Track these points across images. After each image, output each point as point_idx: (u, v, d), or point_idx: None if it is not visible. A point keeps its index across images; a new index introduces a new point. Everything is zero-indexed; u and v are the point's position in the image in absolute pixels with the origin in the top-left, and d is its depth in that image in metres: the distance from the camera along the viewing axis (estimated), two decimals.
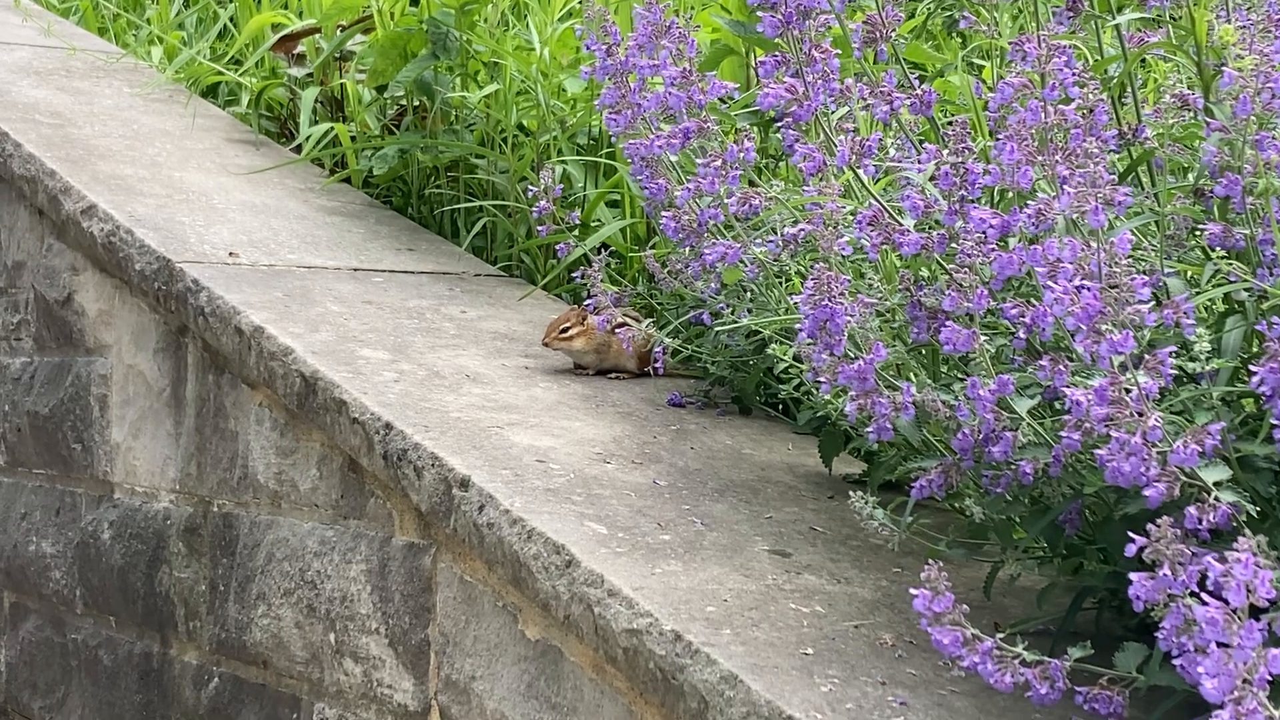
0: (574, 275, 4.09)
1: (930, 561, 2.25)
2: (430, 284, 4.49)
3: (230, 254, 4.41)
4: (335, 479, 3.65)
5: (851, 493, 2.67)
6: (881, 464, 3.17)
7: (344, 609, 3.57)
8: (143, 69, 6.27)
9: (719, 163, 2.88)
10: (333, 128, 5.29)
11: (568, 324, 3.82)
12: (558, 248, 4.10)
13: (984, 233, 2.43)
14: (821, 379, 2.45)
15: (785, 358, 2.94)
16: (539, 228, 3.98)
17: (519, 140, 4.74)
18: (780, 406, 3.77)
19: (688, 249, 3.32)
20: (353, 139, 5.30)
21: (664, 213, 3.24)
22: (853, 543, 3.05)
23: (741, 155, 2.85)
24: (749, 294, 3.35)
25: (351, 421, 3.46)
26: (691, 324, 3.74)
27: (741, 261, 3.02)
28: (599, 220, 4.44)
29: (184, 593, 4.20)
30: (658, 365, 3.63)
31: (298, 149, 5.50)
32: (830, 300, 2.45)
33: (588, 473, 3.22)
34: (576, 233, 4.21)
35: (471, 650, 3.20)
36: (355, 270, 4.49)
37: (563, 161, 4.53)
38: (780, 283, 3.26)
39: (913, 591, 2.30)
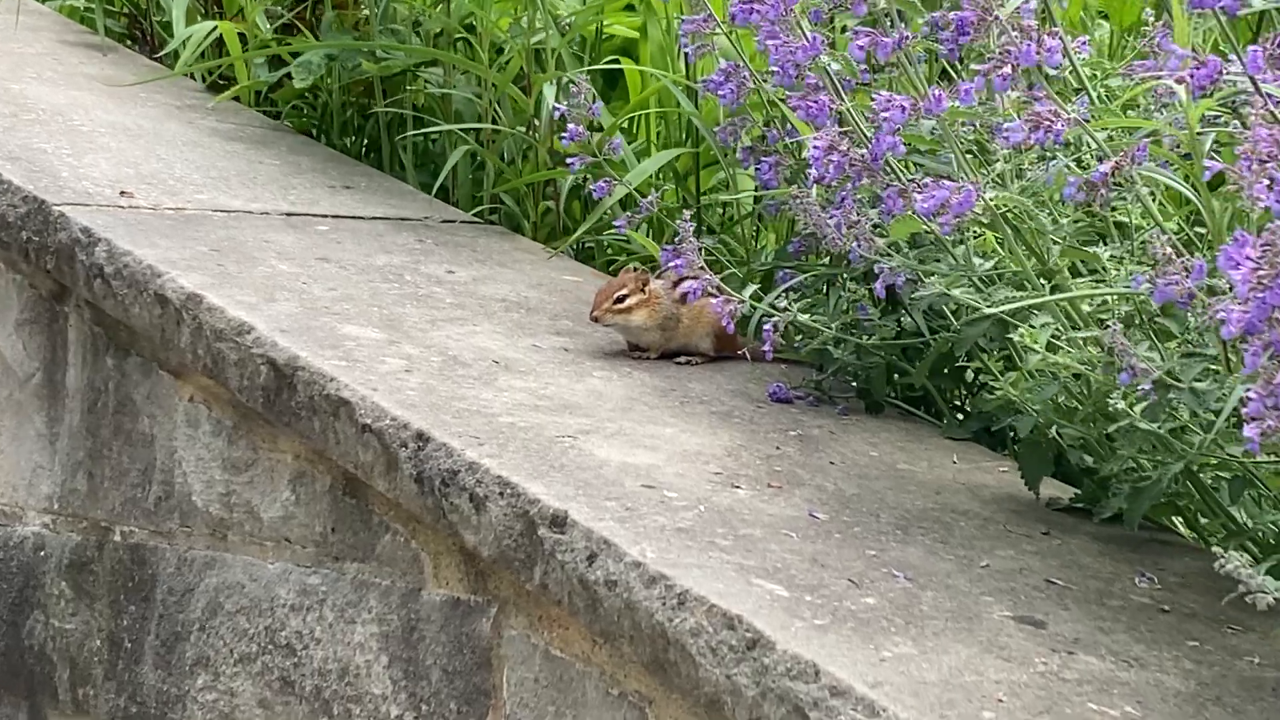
0: (609, 226, 3.43)
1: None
2: (391, 233, 3.80)
3: (122, 193, 3.68)
4: (321, 505, 2.97)
5: (1161, 542, 2.07)
6: (1111, 486, 2.59)
7: (344, 687, 2.89)
8: None
9: (1006, 69, 2.24)
10: (216, 28, 4.53)
11: (624, 291, 3.17)
12: (555, 184, 3.45)
13: None
14: (1254, 397, 1.82)
15: (1036, 345, 2.32)
16: (570, 160, 3.31)
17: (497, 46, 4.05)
18: (919, 403, 3.16)
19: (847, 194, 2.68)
20: (242, 42, 4.55)
21: (814, 143, 2.60)
22: (1111, 602, 2.46)
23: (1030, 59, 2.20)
24: (915, 253, 2.73)
25: (360, 429, 2.78)
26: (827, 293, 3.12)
27: (941, 211, 2.39)
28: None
29: (69, 649, 3.47)
30: (766, 349, 2.99)
31: (160, 55, 4.75)
32: None
33: (717, 502, 2.59)
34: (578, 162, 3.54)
35: None
36: (289, 215, 3.78)
37: (585, 72, 3.85)
38: (967, 238, 2.65)
39: None
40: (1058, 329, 2.47)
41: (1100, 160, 2.24)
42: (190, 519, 3.23)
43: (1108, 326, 2.39)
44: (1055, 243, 2.55)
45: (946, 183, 2.41)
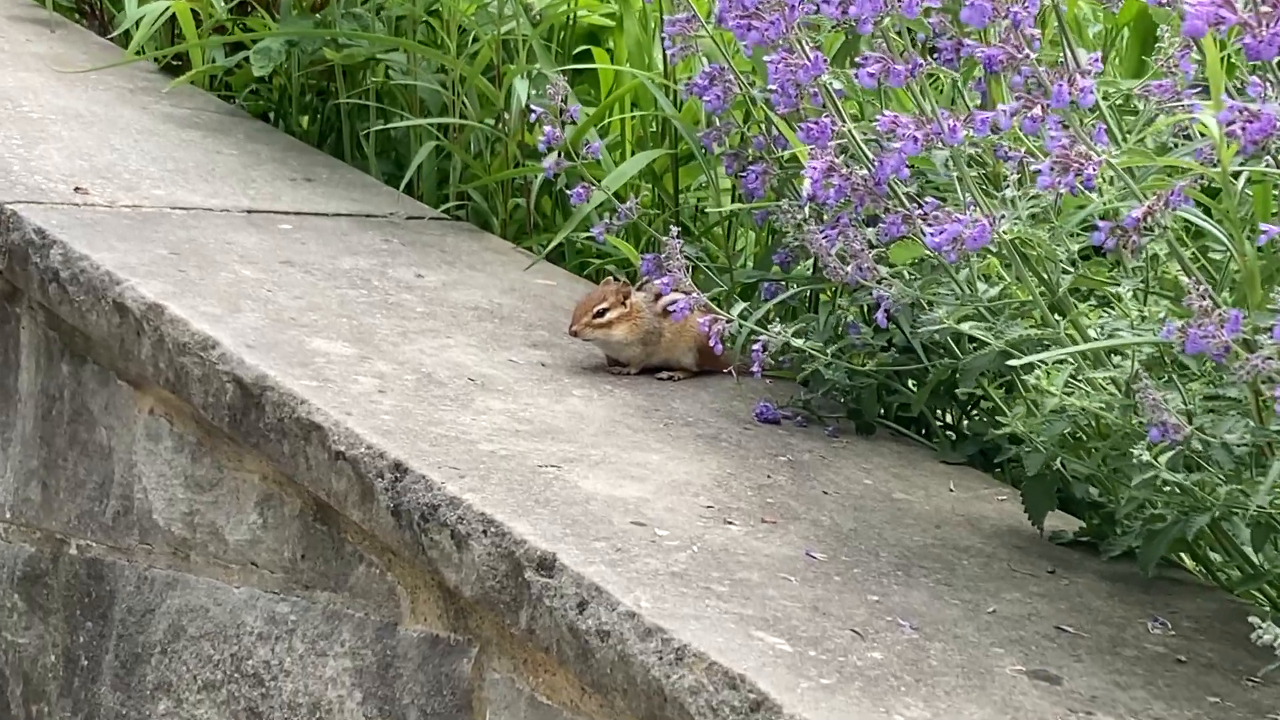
0: (583, 228, 3.29)
1: None
2: (357, 231, 3.65)
3: (76, 189, 3.52)
4: (291, 530, 2.83)
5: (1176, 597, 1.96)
6: (1118, 522, 2.48)
7: None
8: None
9: (1036, 110, 2.10)
10: (169, 7, 4.36)
11: (604, 305, 3.04)
12: (525, 179, 3.30)
13: None
14: None
15: (1052, 389, 2.19)
16: (546, 163, 3.16)
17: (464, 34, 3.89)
18: (910, 423, 3.04)
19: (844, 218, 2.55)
20: (196, 21, 4.38)
21: (812, 164, 2.46)
22: (1126, 651, 2.35)
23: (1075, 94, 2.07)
24: (917, 280, 2.60)
25: (333, 456, 2.64)
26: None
27: (956, 243, 2.26)
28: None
29: (21, 664, 3.32)
30: (755, 370, 2.86)
31: (112, 34, 4.57)
32: None
33: (711, 541, 2.47)
34: (554, 158, 3.38)
35: None
36: (250, 212, 3.63)
37: (564, 70, 3.69)
38: (971, 263, 2.52)
39: None
40: (1074, 368, 2.35)
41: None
42: (151, 536, 3.08)
43: (1125, 362, 2.27)
44: (1066, 272, 2.43)
45: (959, 216, 2.28)
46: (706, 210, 3.67)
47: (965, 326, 2.41)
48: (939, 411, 3.03)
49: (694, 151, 3.42)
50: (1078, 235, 2.40)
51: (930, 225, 2.30)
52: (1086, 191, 2.14)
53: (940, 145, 2.32)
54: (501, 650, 2.53)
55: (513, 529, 2.44)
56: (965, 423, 3.05)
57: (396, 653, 2.68)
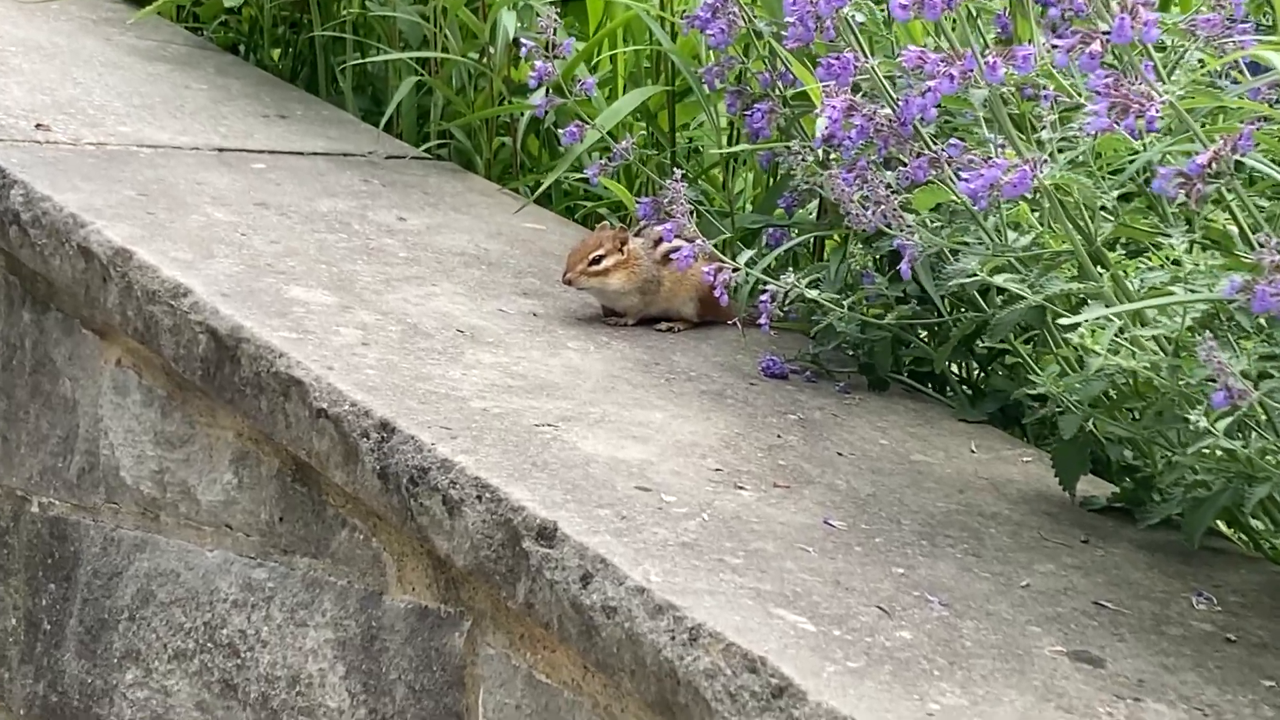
0: (574, 169, 3.10)
1: None
2: (334, 171, 3.44)
3: (38, 125, 3.32)
4: (269, 491, 2.64)
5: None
6: (1161, 490, 2.30)
7: (295, 697, 2.58)
8: None
9: (1095, 46, 1.91)
10: None
11: (600, 252, 2.85)
12: (511, 117, 3.10)
13: None
14: None
15: (1098, 348, 2.01)
16: (536, 99, 2.96)
17: None
18: (925, 378, 2.86)
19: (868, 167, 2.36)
20: None
21: (830, 103, 2.27)
22: (1171, 630, 2.18)
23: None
24: (940, 227, 2.41)
25: (314, 414, 2.45)
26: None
27: (996, 190, 2.07)
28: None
29: None
30: (761, 321, 2.68)
31: None
32: None
33: (722, 508, 2.29)
34: (542, 95, 3.17)
35: None
36: (221, 151, 3.42)
37: (553, 1, 3.48)
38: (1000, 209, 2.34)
39: None
40: (1117, 324, 2.16)
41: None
42: (118, 495, 2.89)
43: (1169, 319, 2.09)
44: (1107, 218, 2.25)
45: (997, 159, 2.09)
46: (703, 151, 3.47)
47: (999, 279, 2.22)
48: (956, 367, 2.85)
49: (692, 87, 3.22)
50: (1105, 172, 2.21)
51: (965, 171, 2.11)
52: (1149, 134, 1.95)
53: (977, 84, 2.13)
54: (497, 624, 2.35)
55: (509, 494, 2.25)
56: (983, 378, 2.87)
57: (382, 624, 2.49)
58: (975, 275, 2.23)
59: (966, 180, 2.12)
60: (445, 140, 3.67)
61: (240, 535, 2.72)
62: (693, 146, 3.58)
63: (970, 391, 2.84)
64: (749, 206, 3.37)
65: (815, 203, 2.97)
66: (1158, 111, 1.89)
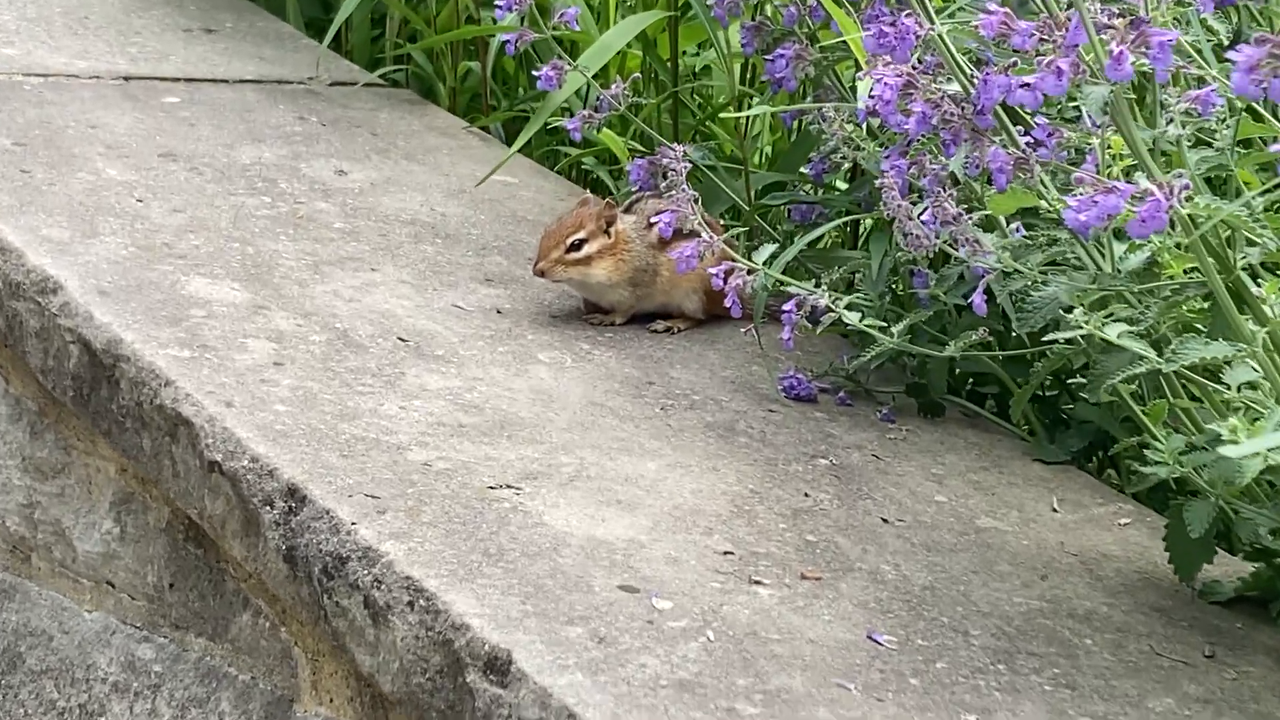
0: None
1: None
2: (265, 105, 2.83)
3: None
4: (157, 548, 2.08)
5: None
6: None
7: None
8: None
9: None
10: None
11: (580, 234, 2.25)
12: (481, 39, 2.48)
13: None
14: None
15: (1256, 452, 1.41)
16: (507, 35, 2.34)
17: None
18: (982, 399, 2.27)
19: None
20: None
21: (881, 79, 1.67)
22: None
23: None
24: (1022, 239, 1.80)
25: (207, 467, 1.88)
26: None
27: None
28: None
29: None
30: (785, 335, 2.08)
31: None
32: None
33: (732, 617, 1.73)
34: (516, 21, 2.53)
35: None
36: (127, 80, 2.82)
37: None
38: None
39: None
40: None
41: None
42: None
43: None
44: (1251, 242, 1.64)
45: (1116, 184, 1.48)
46: (715, 92, 2.85)
47: (1115, 334, 1.62)
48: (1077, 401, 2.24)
49: (697, 10, 2.59)
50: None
51: (1074, 200, 1.50)
52: None
53: (1094, 80, 1.51)
54: None
55: (451, 604, 1.69)
56: (1059, 396, 2.27)
57: None
58: (1082, 326, 1.63)
59: (1075, 208, 1.51)
60: (402, 65, 3.05)
61: (124, 598, 2.14)
62: (697, 76, 2.95)
63: (1046, 420, 2.23)
64: (769, 152, 2.75)
65: (849, 166, 2.37)
66: None
